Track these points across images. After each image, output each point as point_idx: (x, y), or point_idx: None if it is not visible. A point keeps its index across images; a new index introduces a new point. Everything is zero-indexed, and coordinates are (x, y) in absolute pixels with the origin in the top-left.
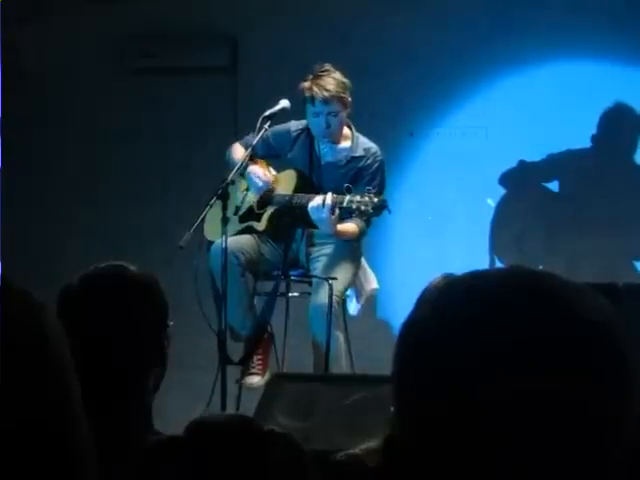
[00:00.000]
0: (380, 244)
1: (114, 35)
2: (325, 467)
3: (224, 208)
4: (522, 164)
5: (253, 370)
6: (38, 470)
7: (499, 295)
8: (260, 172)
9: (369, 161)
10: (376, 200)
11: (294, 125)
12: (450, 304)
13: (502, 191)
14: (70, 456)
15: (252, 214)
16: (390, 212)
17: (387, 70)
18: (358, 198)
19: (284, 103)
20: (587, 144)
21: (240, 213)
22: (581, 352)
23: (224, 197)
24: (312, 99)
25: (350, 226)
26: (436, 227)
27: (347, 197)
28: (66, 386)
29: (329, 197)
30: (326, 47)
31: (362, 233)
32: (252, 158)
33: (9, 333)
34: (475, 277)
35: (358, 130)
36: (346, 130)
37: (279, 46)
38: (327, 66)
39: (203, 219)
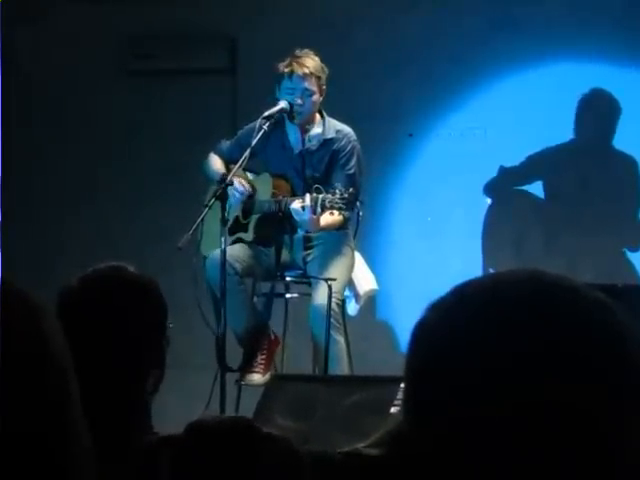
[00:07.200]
0: (379, 245)
1: (114, 36)
2: (326, 466)
3: (223, 209)
4: (519, 164)
5: (255, 369)
6: (36, 472)
7: (514, 304)
8: (236, 183)
9: (343, 142)
10: (347, 195)
11: (262, 122)
12: (461, 314)
13: (499, 191)
14: (69, 458)
15: (239, 225)
16: (362, 203)
17: (386, 71)
18: (330, 197)
19: (283, 104)
20: (586, 143)
21: (228, 225)
22: (583, 363)
23: (223, 198)
24: (290, 74)
25: (333, 216)
26: (435, 228)
27: (320, 197)
28: (65, 388)
29: (307, 198)
30: (325, 48)
31: (347, 218)
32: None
33: (8, 335)
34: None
35: (355, 129)
36: (318, 117)
37: (278, 47)
38: (307, 50)
39: (202, 220)
